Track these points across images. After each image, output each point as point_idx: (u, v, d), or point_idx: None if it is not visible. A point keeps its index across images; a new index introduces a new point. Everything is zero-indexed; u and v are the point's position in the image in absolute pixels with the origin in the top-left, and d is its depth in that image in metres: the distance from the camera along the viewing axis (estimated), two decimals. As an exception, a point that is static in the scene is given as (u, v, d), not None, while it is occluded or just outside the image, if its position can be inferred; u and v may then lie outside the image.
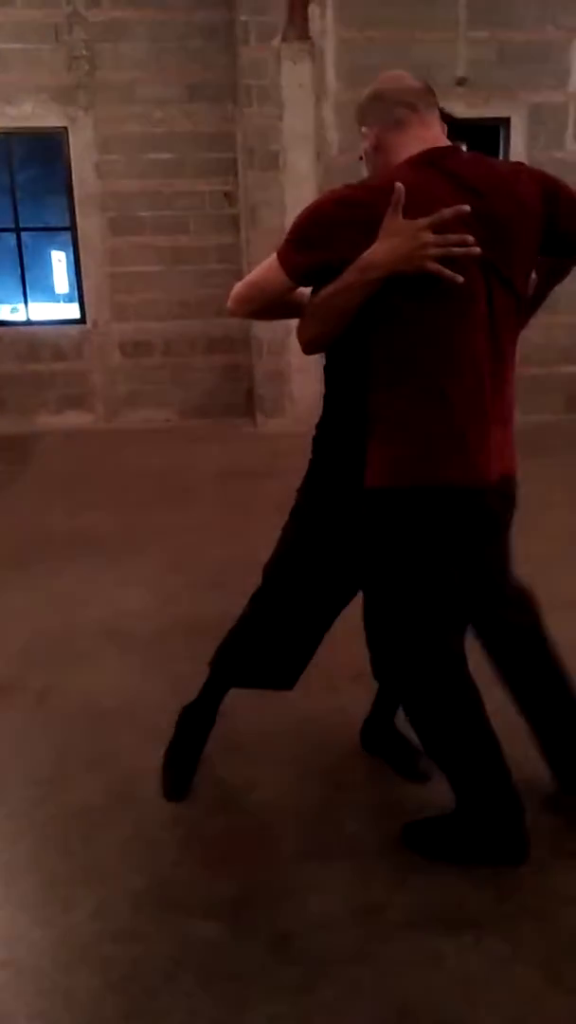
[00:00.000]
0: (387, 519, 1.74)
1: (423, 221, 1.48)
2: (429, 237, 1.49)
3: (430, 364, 1.63)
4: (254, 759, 2.32)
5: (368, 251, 1.55)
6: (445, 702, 1.83)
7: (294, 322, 1.83)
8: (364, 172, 1.79)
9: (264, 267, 1.70)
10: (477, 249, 1.51)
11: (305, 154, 6.34)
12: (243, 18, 6.12)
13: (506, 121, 6.47)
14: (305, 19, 6.13)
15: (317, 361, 2.04)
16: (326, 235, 1.60)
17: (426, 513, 1.70)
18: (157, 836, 2.03)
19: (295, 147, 6.32)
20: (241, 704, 2.57)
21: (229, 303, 1.81)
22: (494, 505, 1.77)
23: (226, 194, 6.84)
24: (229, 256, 6.87)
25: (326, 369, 1.92)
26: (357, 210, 1.57)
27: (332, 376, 1.91)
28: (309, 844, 1.99)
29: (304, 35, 6.15)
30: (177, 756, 2.22)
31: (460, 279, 1.52)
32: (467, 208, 1.48)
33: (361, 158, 1.81)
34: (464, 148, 1.69)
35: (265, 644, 2.08)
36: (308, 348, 1.80)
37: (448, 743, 1.85)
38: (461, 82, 6.27)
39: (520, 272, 1.67)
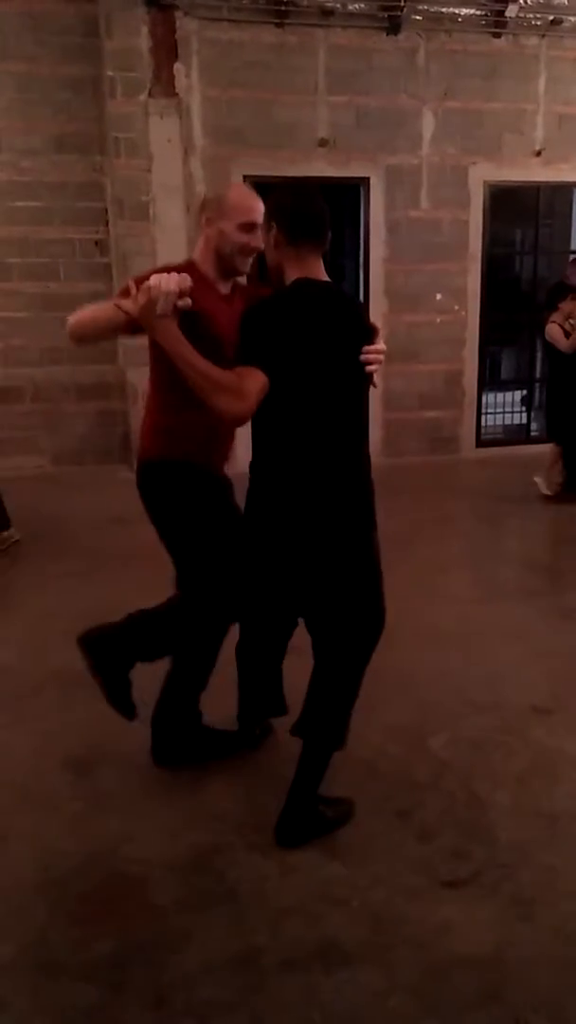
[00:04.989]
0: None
1: None
2: None
3: None
4: (124, 812, 2.28)
5: None
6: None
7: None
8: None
9: None
10: None
11: (175, 205, 6.45)
12: (110, 73, 6.23)
13: (366, 181, 6.82)
14: (171, 76, 6.30)
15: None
16: None
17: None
18: (24, 900, 1.96)
19: (165, 199, 6.43)
20: (107, 758, 2.53)
21: None
22: None
23: (96, 243, 6.85)
24: (101, 303, 6.81)
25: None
26: None
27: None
28: (185, 894, 1.97)
29: (170, 92, 6.32)
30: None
31: None
32: None
33: None
34: None
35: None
36: None
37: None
38: (323, 143, 6.58)
39: None
